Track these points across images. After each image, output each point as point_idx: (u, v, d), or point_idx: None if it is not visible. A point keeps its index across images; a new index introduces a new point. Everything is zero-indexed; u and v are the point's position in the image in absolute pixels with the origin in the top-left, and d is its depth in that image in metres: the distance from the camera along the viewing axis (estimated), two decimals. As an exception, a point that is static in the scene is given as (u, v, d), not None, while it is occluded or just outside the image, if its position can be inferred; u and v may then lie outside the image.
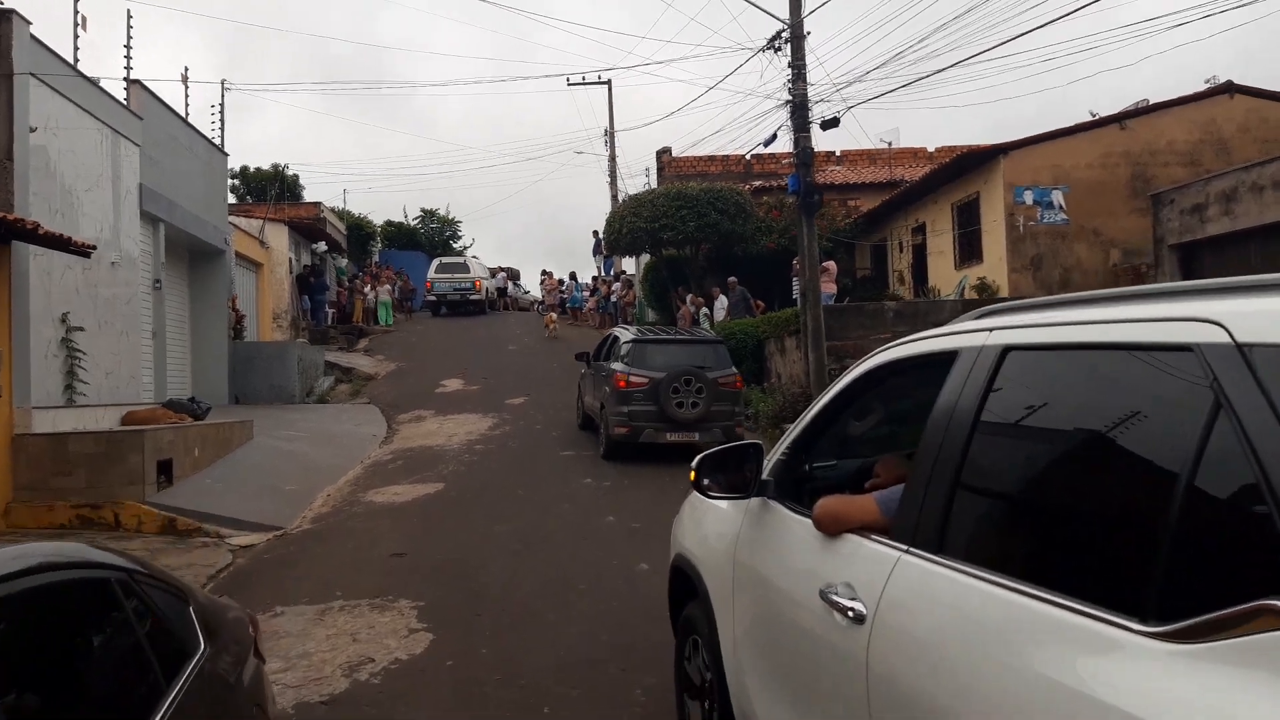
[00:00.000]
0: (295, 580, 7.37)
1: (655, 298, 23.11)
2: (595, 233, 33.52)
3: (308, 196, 33.99)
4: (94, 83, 11.31)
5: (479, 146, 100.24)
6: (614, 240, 21.63)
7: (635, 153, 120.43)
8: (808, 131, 14.52)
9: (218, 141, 17.55)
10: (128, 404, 11.78)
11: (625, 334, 13.84)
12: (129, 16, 14.81)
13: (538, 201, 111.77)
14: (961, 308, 15.47)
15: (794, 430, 3.45)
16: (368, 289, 29.60)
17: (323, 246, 27.38)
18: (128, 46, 14.67)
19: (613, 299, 28.18)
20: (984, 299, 16.56)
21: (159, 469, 9.65)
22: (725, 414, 12.76)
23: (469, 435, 14.49)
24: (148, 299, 13.86)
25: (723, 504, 3.62)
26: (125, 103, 12.82)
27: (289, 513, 9.92)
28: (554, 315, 28.55)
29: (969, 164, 17.58)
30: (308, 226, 27.03)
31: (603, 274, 32.43)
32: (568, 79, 35.99)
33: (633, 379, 12.58)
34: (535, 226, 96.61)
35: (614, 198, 35.66)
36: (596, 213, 70.99)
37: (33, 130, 9.57)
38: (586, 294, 32.48)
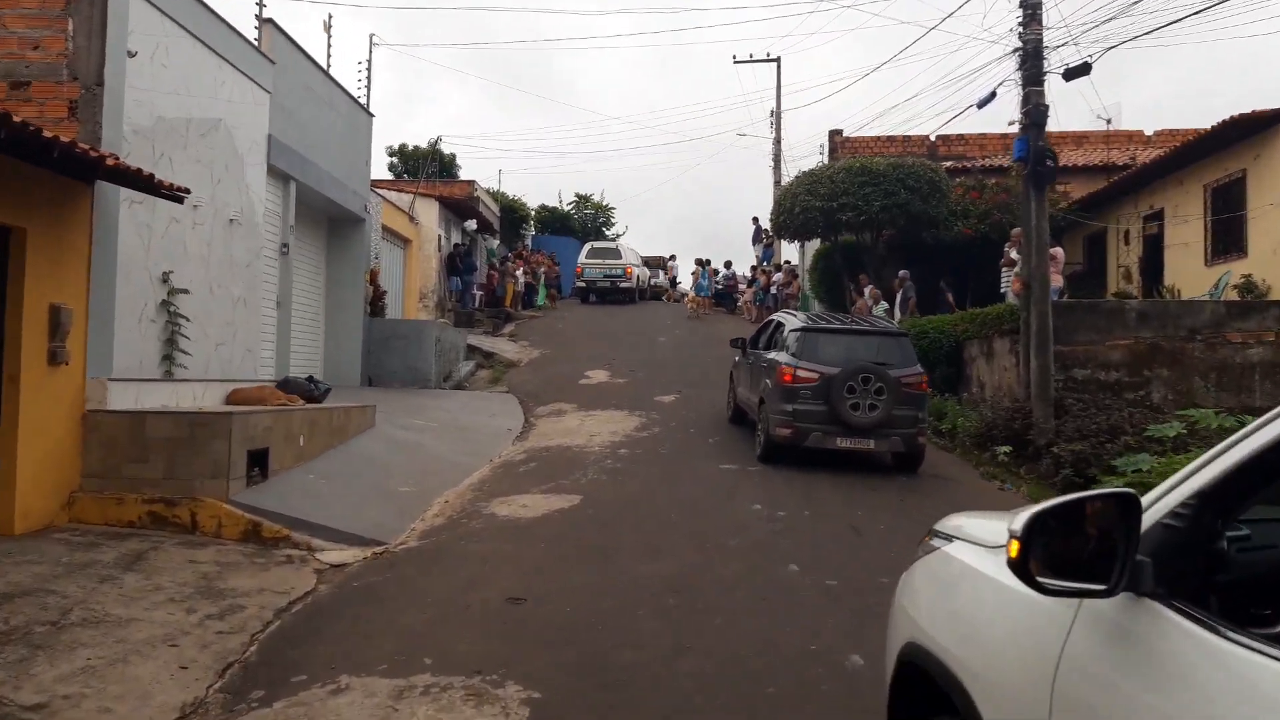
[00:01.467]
0: (379, 629, 5.53)
1: (826, 289, 20.62)
2: (755, 219, 31.24)
3: (463, 175, 33.19)
4: (215, 13, 9.96)
5: (637, 124, 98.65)
6: (783, 222, 19.27)
7: (799, 135, 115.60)
8: (1041, 85, 11.74)
9: (363, 100, 16.30)
10: (240, 381, 10.44)
11: (792, 320, 11.57)
12: (272, -40, 13.67)
13: (695, 189, 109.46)
14: (1224, 311, 12.38)
15: (1204, 470, 1.80)
16: (519, 272, 28.31)
17: (473, 225, 26.25)
18: (268, -9, 13.51)
19: (773, 290, 25.80)
20: (1250, 300, 13.29)
21: (251, 460, 8.12)
22: (908, 420, 10.41)
23: (613, 436, 12.56)
24: (273, 264, 12.62)
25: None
26: (255, 43, 11.53)
27: (396, 523, 8.20)
28: (697, 297, 27.91)
29: (1234, 134, 14.22)
30: (459, 204, 25.96)
31: (762, 263, 30.05)
32: (734, 57, 33.84)
33: (801, 373, 10.38)
34: (692, 215, 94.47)
35: (777, 183, 33.19)
36: (756, 201, 68.24)
37: (131, 55, 8.19)
38: (721, 282, 30.11)
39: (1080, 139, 25.30)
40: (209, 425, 7.75)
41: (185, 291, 9.31)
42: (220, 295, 10.33)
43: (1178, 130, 23.96)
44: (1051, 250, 13.67)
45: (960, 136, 25.42)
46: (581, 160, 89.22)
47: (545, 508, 8.82)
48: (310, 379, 11.52)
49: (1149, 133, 25.78)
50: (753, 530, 8.07)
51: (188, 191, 8.29)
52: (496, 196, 35.08)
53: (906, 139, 25.88)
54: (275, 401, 10.04)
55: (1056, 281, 13.41)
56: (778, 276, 26.04)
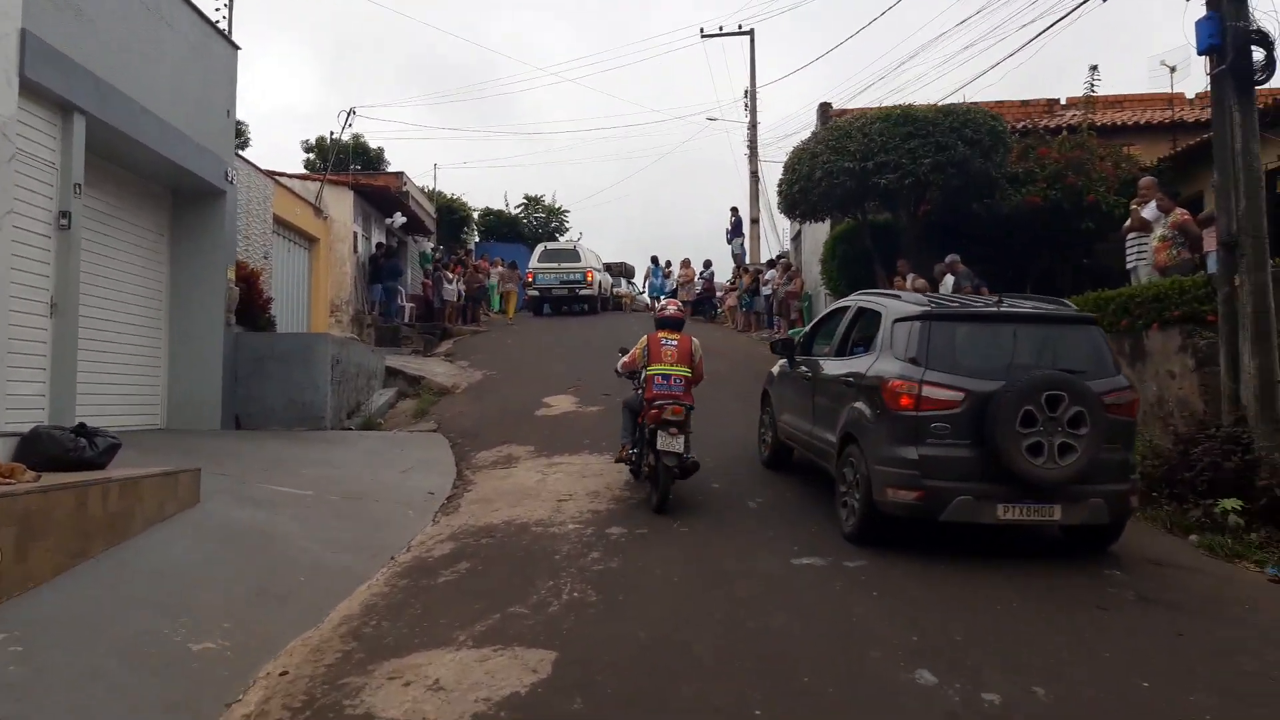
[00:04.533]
0: None
1: (848, 282, 16.28)
2: (733, 210, 27.01)
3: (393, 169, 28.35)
4: None
5: (594, 123, 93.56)
6: (797, 194, 14.83)
7: (775, 116, 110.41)
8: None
9: (224, 29, 11.58)
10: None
11: (895, 304, 6.98)
12: None
13: (659, 191, 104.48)
14: None
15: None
16: (450, 283, 23.41)
17: (400, 221, 21.50)
18: None
19: (765, 290, 21.42)
20: None
21: None
22: (1114, 469, 5.99)
23: (593, 500, 8.01)
24: (43, 243, 7.88)
25: None
26: None
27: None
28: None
29: None
30: (383, 197, 21.21)
31: (742, 260, 25.73)
32: (701, 30, 29.56)
33: (931, 393, 5.92)
34: (656, 219, 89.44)
35: (754, 174, 29.03)
36: (725, 202, 63.59)
37: None
38: (698, 286, 25.88)
39: (1120, 102, 21.31)
40: None
41: None
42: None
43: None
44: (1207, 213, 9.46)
45: (974, 105, 21.31)
46: (531, 162, 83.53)
47: (482, 692, 4.21)
48: (81, 429, 6.77)
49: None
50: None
51: None
52: (433, 195, 30.36)
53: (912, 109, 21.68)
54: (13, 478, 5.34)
55: (1211, 245, 9.12)
56: (770, 274, 21.70)
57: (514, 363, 16.91)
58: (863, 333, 7.40)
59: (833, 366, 7.41)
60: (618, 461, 8.48)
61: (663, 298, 26.79)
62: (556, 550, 6.53)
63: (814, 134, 15.15)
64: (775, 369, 9.23)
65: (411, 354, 18.77)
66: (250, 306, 13.23)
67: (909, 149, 13.34)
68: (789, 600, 5.38)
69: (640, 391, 8.07)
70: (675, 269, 26.59)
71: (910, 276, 13.24)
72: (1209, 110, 18.94)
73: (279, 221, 16.74)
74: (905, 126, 13.40)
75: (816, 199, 14.47)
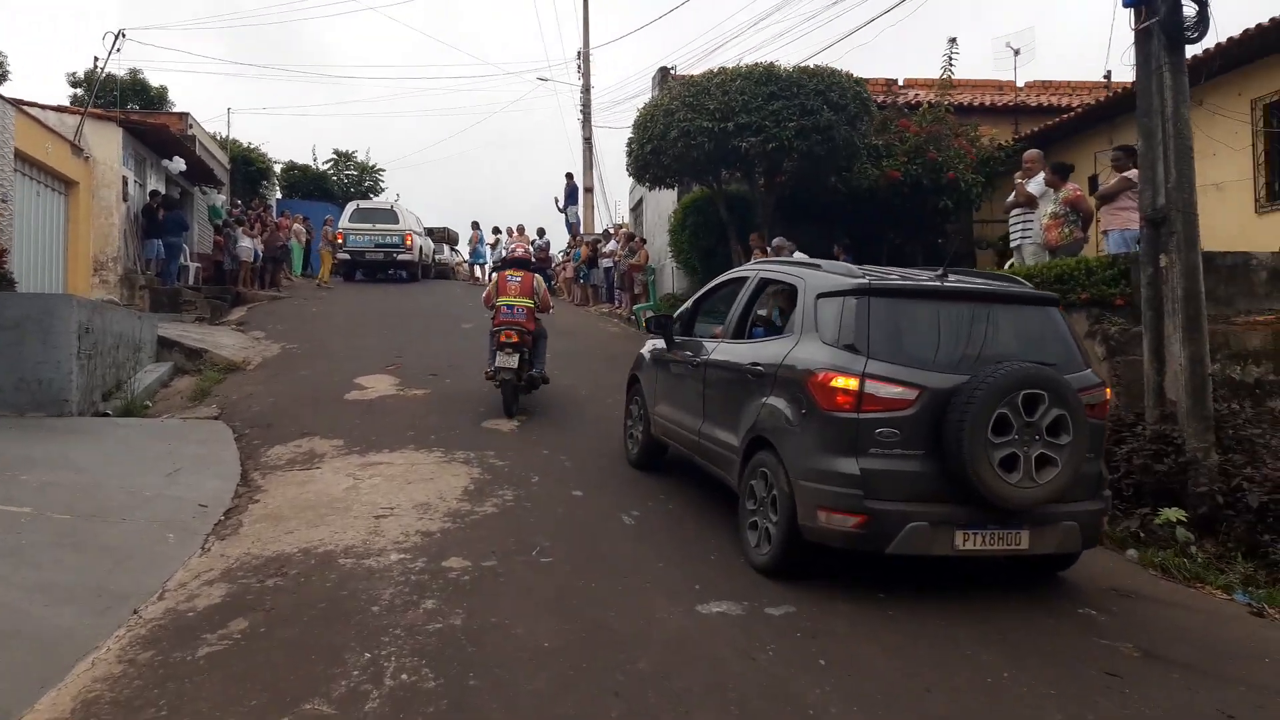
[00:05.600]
0: None
1: (700, 255, 15.02)
2: (568, 175, 25.32)
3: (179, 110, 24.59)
4: None
5: (411, 75, 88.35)
6: (648, 155, 13.34)
7: (610, 80, 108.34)
8: None
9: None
10: None
11: (819, 276, 5.47)
12: None
13: (482, 152, 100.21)
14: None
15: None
16: (245, 240, 20.40)
17: (180, 166, 18.35)
18: None
19: (606, 263, 19.96)
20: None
21: None
22: (1088, 484, 4.93)
23: (421, 514, 6.24)
24: None
25: None
26: None
27: None
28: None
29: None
30: (161, 138, 17.98)
31: (581, 231, 24.15)
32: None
33: (879, 389, 4.60)
34: (477, 184, 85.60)
35: (587, 140, 27.44)
36: (556, 167, 61.22)
37: None
38: (504, 250, 24.28)
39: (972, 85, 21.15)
40: None
41: None
42: None
43: (1050, 82, 20.48)
44: (1125, 174, 8.78)
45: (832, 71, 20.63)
46: (341, 112, 77.31)
47: None
48: None
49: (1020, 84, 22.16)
50: None
51: None
52: (226, 145, 26.83)
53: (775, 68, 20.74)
54: None
55: (1131, 226, 8.41)
56: (610, 245, 20.24)
57: (320, 335, 14.60)
58: (766, 310, 6.02)
59: (730, 351, 5.97)
60: (487, 379, 9.45)
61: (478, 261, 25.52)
62: (375, 598, 4.76)
63: (666, 89, 13.70)
64: (647, 350, 7.72)
65: (196, 322, 16.00)
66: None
67: (772, 110, 12.15)
68: (712, 678, 3.88)
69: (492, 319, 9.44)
70: (503, 237, 24.66)
71: (778, 242, 12.03)
72: (1049, 96, 19.03)
73: (23, 158, 13.59)
74: (768, 86, 12.17)
75: (670, 161, 13.04)
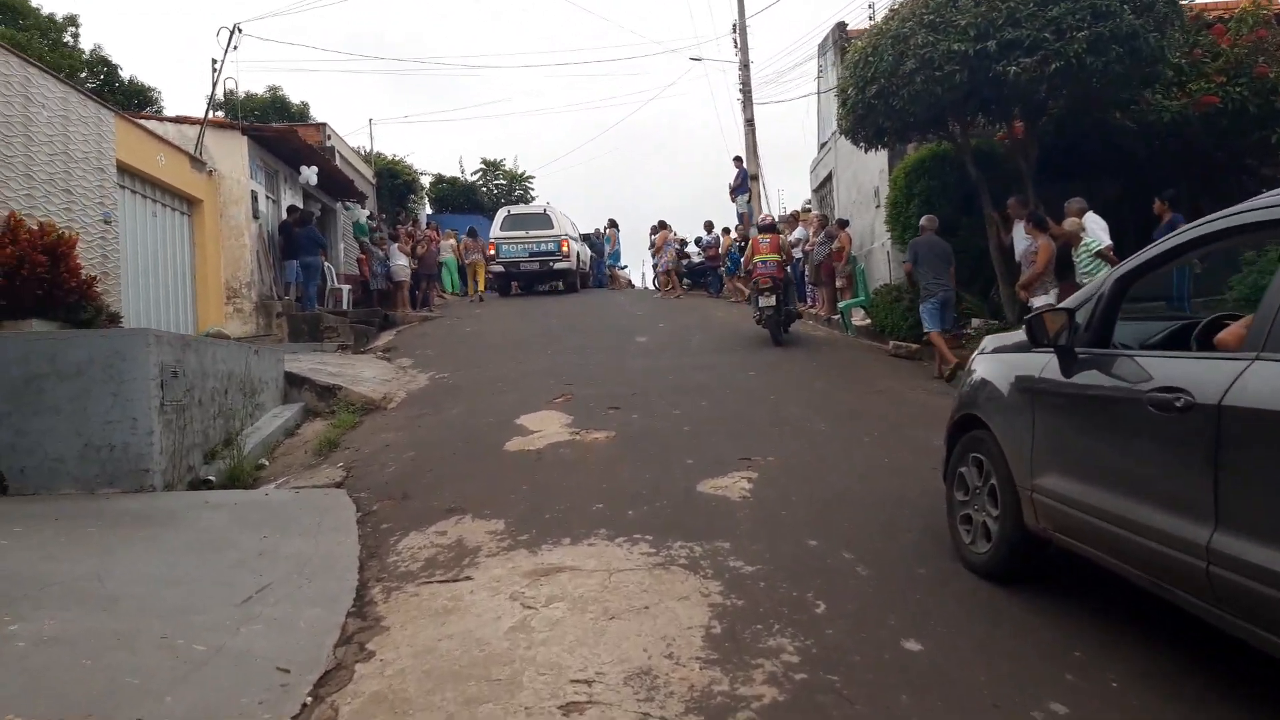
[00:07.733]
0: None
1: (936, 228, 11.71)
2: (737, 159, 22.31)
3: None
4: None
5: (558, 65, 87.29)
6: (871, 102, 10.10)
7: (769, 52, 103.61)
8: None
9: None
10: None
11: None
12: None
13: (630, 145, 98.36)
14: None
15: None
16: (400, 258, 18.47)
17: (313, 177, 16.56)
18: None
19: (801, 251, 16.74)
20: None
21: None
22: None
23: (644, 701, 3.34)
24: None
25: None
26: None
27: None
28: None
29: None
30: (291, 148, 16.23)
31: (751, 219, 21.05)
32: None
33: None
34: (618, 177, 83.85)
35: (749, 121, 24.33)
36: (710, 164, 58.43)
37: None
38: (699, 254, 22.28)
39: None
40: None
41: None
42: None
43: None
44: None
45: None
46: (485, 115, 77.27)
47: None
48: None
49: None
50: None
51: None
52: (370, 158, 25.41)
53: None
54: None
55: None
56: (798, 233, 17.10)
57: (474, 361, 12.27)
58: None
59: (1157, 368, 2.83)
60: (757, 324, 12.31)
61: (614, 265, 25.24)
62: None
63: (893, 10, 10.42)
64: (997, 370, 4.53)
65: (338, 350, 14.04)
66: (54, 290, 8.56)
67: (1050, 18, 8.75)
68: None
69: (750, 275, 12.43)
70: (657, 236, 22.03)
71: (1077, 204, 8.60)
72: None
73: (132, 173, 11.89)
74: (1036, -11, 8.77)
75: (903, 104, 9.73)
